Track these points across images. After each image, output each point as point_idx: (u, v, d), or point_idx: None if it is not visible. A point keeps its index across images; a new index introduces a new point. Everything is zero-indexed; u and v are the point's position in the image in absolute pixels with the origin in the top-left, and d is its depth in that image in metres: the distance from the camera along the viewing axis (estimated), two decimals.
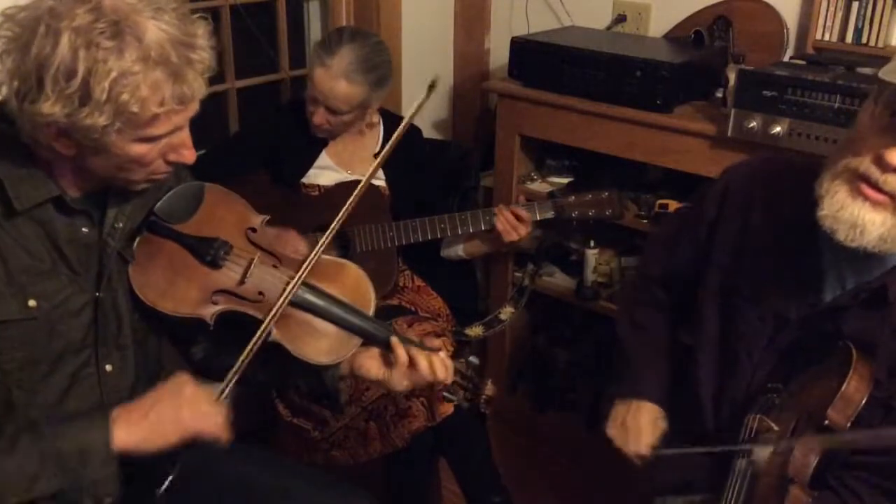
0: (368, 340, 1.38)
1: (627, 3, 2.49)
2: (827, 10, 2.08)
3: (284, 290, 1.31)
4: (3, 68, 1.09)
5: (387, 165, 2.20)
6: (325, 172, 2.17)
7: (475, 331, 2.28)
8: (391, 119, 2.29)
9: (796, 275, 1.34)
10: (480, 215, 2.09)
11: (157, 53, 1.07)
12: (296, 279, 1.32)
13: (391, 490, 2.10)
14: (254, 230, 1.38)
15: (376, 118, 2.25)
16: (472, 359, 1.42)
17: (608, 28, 2.52)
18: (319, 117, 2.06)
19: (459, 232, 2.09)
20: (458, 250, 2.27)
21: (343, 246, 2.12)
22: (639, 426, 1.51)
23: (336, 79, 2.00)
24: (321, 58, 2.01)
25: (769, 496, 1.29)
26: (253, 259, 1.35)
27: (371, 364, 1.39)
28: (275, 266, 1.36)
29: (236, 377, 1.26)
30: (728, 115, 1.94)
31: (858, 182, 1.15)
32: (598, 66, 2.15)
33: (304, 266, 1.33)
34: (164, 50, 1.08)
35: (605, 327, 2.50)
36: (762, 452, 1.32)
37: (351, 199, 1.38)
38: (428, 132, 2.69)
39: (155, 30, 1.08)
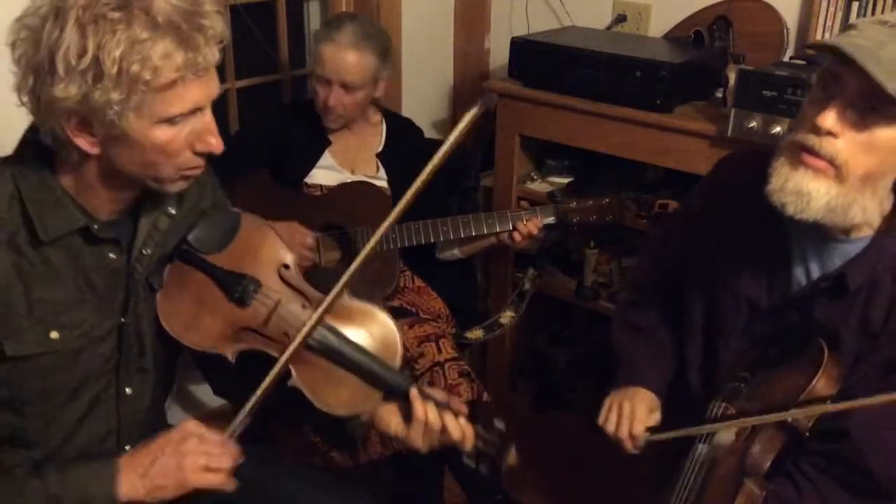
0: (390, 395, 1.33)
1: (627, 3, 2.49)
2: (827, 10, 2.08)
3: (306, 330, 1.26)
4: (19, 69, 1.08)
5: (388, 168, 2.22)
6: (327, 172, 2.17)
7: (475, 334, 2.28)
8: (393, 119, 2.29)
9: (767, 264, 1.37)
10: (482, 219, 2.09)
11: (165, 21, 1.05)
12: (313, 318, 1.26)
13: (399, 500, 2.10)
14: (287, 267, 1.33)
15: (378, 117, 2.26)
16: (498, 423, 1.35)
17: (608, 28, 2.52)
18: (334, 98, 2.06)
19: (462, 235, 2.09)
20: (455, 251, 2.27)
21: (345, 247, 2.13)
22: (633, 410, 1.49)
23: (346, 49, 2.03)
24: (328, 34, 2.05)
25: (724, 487, 1.30)
26: (281, 299, 1.31)
27: (391, 419, 1.33)
28: (303, 306, 1.31)
29: (245, 422, 1.23)
30: (728, 115, 1.94)
31: (799, 152, 1.21)
32: (598, 66, 2.15)
33: (324, 304, 1.26)
34: (173, 18, 1.06)
35: (605, 327, 2.49)
36: (725, 437, 1.34)
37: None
38: (428, 132, 2.69)
39: (161, 2, 1.06)
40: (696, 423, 1.41)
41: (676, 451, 1.42)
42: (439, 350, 1.93)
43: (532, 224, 2.06)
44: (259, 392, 1.23)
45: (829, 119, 1.16)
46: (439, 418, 1.29)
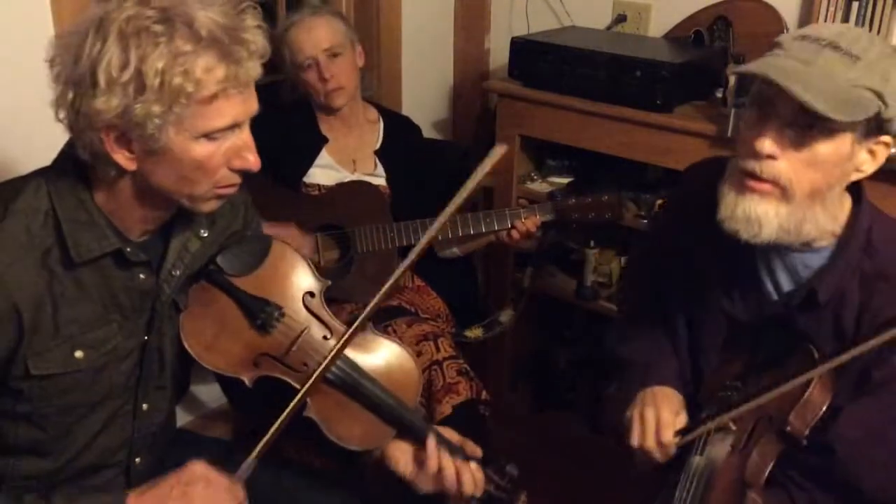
0: (404, 434, 1.33)
1: (627, 3, 2.49)
2: (827, 10, 2.08)
3: (326, 363, 1.26)
4: (58, 85, 1.08)
5: (387, 165, 2.22)
6: (325, 171, 2.17)
7: (474, 333, 2.28)
8: (390, 117, 2.29)
9: (737, 278, 1.36)
10: (481, 217, 2.09)
11: (208, 35, 1.05)
12: (335, 347, 1.26)
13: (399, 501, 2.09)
14: (312, 295, 1.33)
15: (375, 115, 2.26)
16: (510, 468, 1.34)
17: (608, 28, 2.52)
18: (327, 71, 2.08)
19: (460, 234, 2.09)
20: (454, 249, 2.27)
21: (343, 246, 2.13)
22: (658, 415, 1.38)
23: (310, 21, 2.10)
24: (288, 23, 2.13)
25: (726, 499, 1.28)
26: (305, 329, 1.31)
27: (401, 458, 1.33)
28: (325, 338, 1.32)
29: (253, 466, 1.22)
30: (728, 115, 1.94)
31: (743, 178, 1.21)
32: (598, 66, 2.15)
33: (344, 337, 1.26)
34: (215, 32, 1.06)
35: (604, 327, 2.50)
36: (719, 450, 1.32)
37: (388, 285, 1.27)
38: (428, 132, 2.69)
39: (203, 17, 1.06)
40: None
41: (669, 464, 1.40)
42: (437, 349, 1.92)
43: (530, 222, 2.06)
44: (276, 425, 1.23)
45: (766, 143, 1.16)
46: (454, 470, 1.29)
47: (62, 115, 1.10)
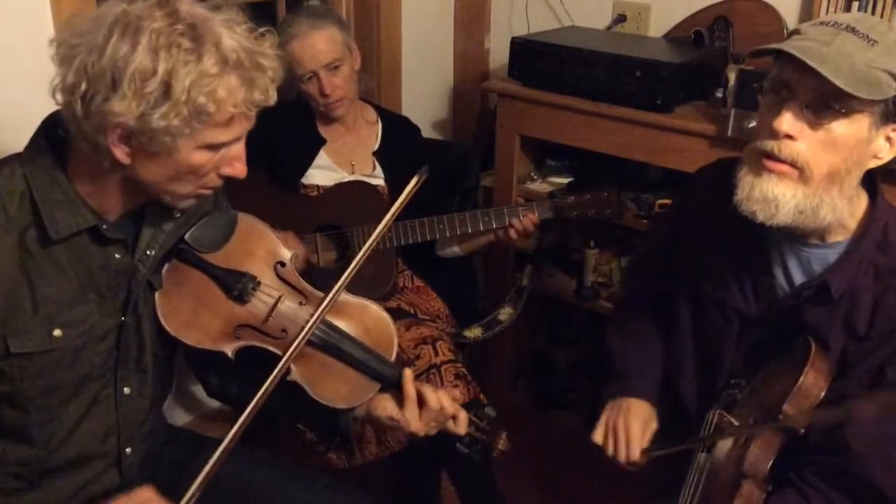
0: (387, 388, 1.36)
1: (627, 3, 2.49)
2: (827, 11, 2.08)
3: (306, 331, 1.30)
4: (67, 73, 1.08)
5: (385, 167, 2.21)
6: (323, 172, 2.17)
7: (474, 332, 2.27)
8: (389, 118, 2.29)
9: (749, 272, 1.37)
10: (479, 216, 2.09)
11: (234, 59, 1.09)
12: (314, 318, 1.29)
13: (396, 500, 2.10)
14: (283, 264, 1.36)
15: (374, 116, 2.25)
16: (489, 410, 1.39)
17: (608, 28, 2.52)
18: (327, 85, 2.06)
19: (458, 232, 2.09)
20: (454, 248, 2.26)
21: (342, 247, 2.12)
22: (627, 430, 1.49)
23: (309, 35, 2.05)
24: (287, 34, 2.07)
25: (724, 493, 1.30)
26: (280, 296, 1.33)
27: (387, 404, 1.37)
28: (301, 303, 1.35)
29: (196, 496, 1.22)
30: (728, 115, 1.94)
31: (761, 159, 1.21)
32: (598, 66, 2.15)
33: (323, 305, 1.30)
34: (240, 57, 1.10)
35: (604, 327, 2.49)
36: (723, 445, 1.33)
37: (357, 258, 1.34)
38: (428, 132, 2.69)
39: (229, 39, 1.10)
40: (692, 434, 1.40)
41: (678, 462, 1.41)
42: (436, 352, 1.92)
43: (528, 220, 2.06)
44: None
45: (785, 122, 1.17)
46: (435, 397, 1.33)
47: (63, 100, 1.10)
